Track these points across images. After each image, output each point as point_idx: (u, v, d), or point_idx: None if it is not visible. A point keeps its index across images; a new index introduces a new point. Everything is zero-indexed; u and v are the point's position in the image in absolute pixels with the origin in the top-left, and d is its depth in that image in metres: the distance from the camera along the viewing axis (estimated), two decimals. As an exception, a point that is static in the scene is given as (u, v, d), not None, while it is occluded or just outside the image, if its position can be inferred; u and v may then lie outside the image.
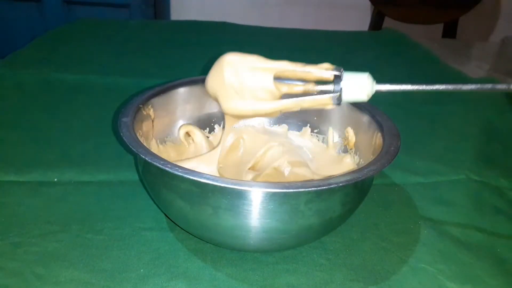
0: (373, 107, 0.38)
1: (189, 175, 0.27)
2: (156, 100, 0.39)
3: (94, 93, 0.58)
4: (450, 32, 1.26)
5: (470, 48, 0.98)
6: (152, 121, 0.39)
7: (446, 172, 0.45)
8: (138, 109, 0.36)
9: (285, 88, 0.33)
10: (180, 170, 0.27)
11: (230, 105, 0.33)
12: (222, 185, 0.27)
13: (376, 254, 0.34)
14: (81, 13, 1.33)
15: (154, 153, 0.29)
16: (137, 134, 0.33)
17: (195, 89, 0.42)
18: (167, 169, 0.28)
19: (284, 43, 0.83)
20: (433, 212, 0.39)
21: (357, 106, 0.40)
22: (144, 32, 0.86)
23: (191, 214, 0.30)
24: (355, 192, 0.32)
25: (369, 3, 1.34)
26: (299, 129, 0.44)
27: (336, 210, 0.31)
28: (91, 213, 0.36)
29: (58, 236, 0.34)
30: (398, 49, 0.82)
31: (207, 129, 0.44)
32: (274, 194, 0.28)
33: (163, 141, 0.40)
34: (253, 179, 0.38)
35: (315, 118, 0.43)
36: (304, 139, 0.44)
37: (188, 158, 0.38)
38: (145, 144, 0.32)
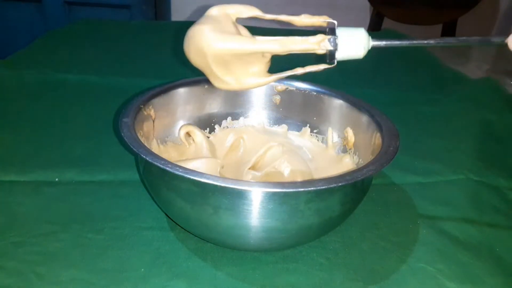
0: (372, 107, 0.39)
1: (190, 175, 0.27)
2: (156, 101, 0.39)
3: (94, 94, 0.58)
4: (449, 32, 1.26)
5: (469, 48, 0.98)
6: (153, 121, 0.39)
7: (445, 172, 0.45)
8: (139, 110, 0.36)
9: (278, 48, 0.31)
10: (180, 170, 0.28)
11: (217, 83, 0.32)
12: (223, 185, 0.27)
13: (376, 254, 0.34)
14: (82, 14, 1.33)
15: (154, 153, 0.30)
16: (138, 134, 0.33)
17: (195, 90, 0.42)
18: (167, 169, 0.28)
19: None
20: (432, 212, 0.39)
21: (357, 106, 0.40)
22: (144, 32, 0.86)
23: (191, 213, 0.31)
24: (354, 192, 0.32)
25: (368, 4, 1.34)
26: (298, 129, 0.44)
27: (336, 210, 0.31)
28: (91, 213, 0.36)
29: (59, 235, 0.34)
30: (398, 50, 0.83)
31: (208, 129, 0.44)
32: (274, 194, 0.28)
33: (163, 141, 0.40)
34: (253, 179, 0.38)
35: (315, 118, 0.44)
36: (303, 139, 0.44)
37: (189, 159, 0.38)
38: (145, 144, 0.32)
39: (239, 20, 0.32)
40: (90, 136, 0.48)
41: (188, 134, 0.41)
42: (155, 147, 0.39)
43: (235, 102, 0.44)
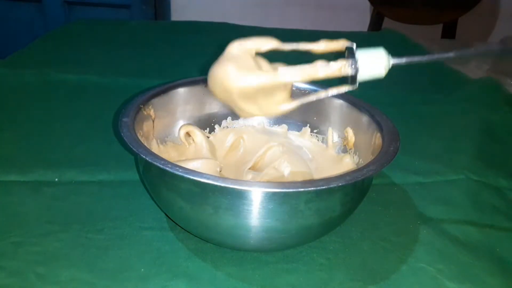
0: (372, 107, 0.39)
1: (190, 175, 0.27)
2: (156, 101, 0.39)
3: (94, 93, 0.58)
4: (449, 32, 1.26)
5: (469, 48, 0.98)
6: (153, 121, 0.39)
7: (445, 172, 0.45)
8: (139, 109, 0.36)
9: (306, 78, 0.32)
10: (180, 170, 0.28)
11: (243, 114, 0.33)
12: (223, 185, 0.27)
13: (376, 254, 0.34)
14: (81, 14, 1.33)
15: (154, 153, 0.30)
16: (138, 134, 0.33)
17: (195, 90, 0.42)
18: (167, 169, 0.28)
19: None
20: (432, 212, 0.39)
21: (357, 106, 0.40)
22: (144, 32, 0.86)
23: (191, 213, 0.31)
24: (354, 192, 0.32)
25: (368, 4, 1.34)
26: (298, 129, 0.44)
27: (336, 210, 0.31)
28: (91, 213, 0.36)
29: (59, 235, 0.34)
30: (398, 50, 0.82)
31: (207, 129, 0.44)
32: (274, 194, 0.28)
33: (163, 141, 0.40)
34: (253, 179, 0.38)
35: (315, 118, 0.44)
36: (303, 139, 0.44)
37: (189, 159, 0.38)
38: (145, 144, 0.32)
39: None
40: (90, 136, 0.48)
41: (188, 134, 0.41)
42: (155, 147, 0.39)
43: (235, 102, 0.44)
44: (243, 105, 0.32)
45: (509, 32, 1.41)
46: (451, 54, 0.30)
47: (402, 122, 0.38)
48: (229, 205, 0.29)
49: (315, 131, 0.44)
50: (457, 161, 0.47)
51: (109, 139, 0.47)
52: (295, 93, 0.43)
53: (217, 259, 0.33)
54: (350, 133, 0.41)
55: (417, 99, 0.62)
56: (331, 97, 0.42)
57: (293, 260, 0.33)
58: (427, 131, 0.54)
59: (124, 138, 0.31)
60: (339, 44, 0.31)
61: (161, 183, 0.32)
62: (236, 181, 0.28)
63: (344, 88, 0.31)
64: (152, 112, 0.38)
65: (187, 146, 0.41)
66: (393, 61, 0.30)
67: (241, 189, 0.28)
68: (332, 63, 0.31)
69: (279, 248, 0.34)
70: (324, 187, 0.28)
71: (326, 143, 0.43)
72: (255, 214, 0.29)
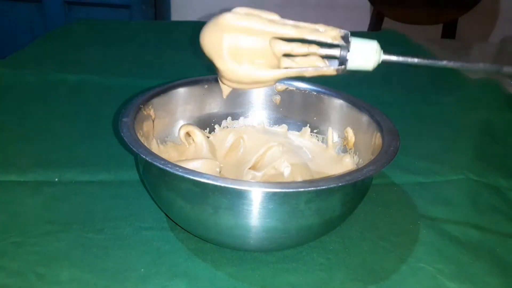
0: (372, 107, 0.39)
1: (190, 175, 0.27)
2: (156, 100, 0.39)
3: (94, 93, 0.58)
4: (449, 32, 1.26)
5: (469, 48, 0.98)
6: (153, 121, 0.39)
7: (445, 172, 0.45)
8: (139, 109, 0.36)
9: (286, 48, 0.31)
10: (180, 170, 0.28)
11: (225, 67, 0.31)
12: (222, 185, 0.27)
13: (376, 254, 0.34)
14: (81, 14, 1.33)
15: (154, 153, 0.30)
16: (138, 134, 0.33)
17: (195, 90, 0.42)
18: (167, 169, 0.28)
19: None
20: (432, 212, 0.39)
21: (357, 106, 0.40)
22: (144, 32, 0.86)
23: (191, 213, 0.31)
24: (354, 192, 0.32)
25: (368, 3, 1.34)
26: (298, 129, 0.44)
27: (336, 210, 0.31)
28: (91, 213, 0.36)
29: (59, 235, 0.34)
30: (398, 50, 0.82)
31: (207, 129, 0.44)
32: (274, 194, 0.28)
33: (163, 141, 0.40)
34: (253, 179, 0.38)
35: (315, 118, 0.44)
36: (303, 139, 0.44)
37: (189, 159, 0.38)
38: (145, 144, 0.32)
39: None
40: (90, 136, 0.48)
41: (188, 134, 0.41)
42: (154, 147, 0.39)
43: (235, 102, 0.44)
44: (228, 56, 0.31)
45: (509, 32, 1.41)
46: (443, 63, 0.30)
47: (402, 122, 0.38)
48: (229, 205, 0.29)
49: (315, 131, 0.44)
50: (457, 161, 0.47)
51: (109, 139, 0.47)
52: (295, 93, 0.43)
53: (217, 259, 0.33)
54: (350, 133, 0.41)
55: (417, 99, 0.62)
56: (331, 97, 0.42)
57: (293, 260, 0.33)
58: (427, 131, 0.54)
59: (124, 138, 0.31)
60: (332, 35, 0.30)
61: (161, 183, 0.32)
62: (236, 181, 0.28)
63: (332, 67, 0.30)
64: (152, 112, 0.38)
65: (187, 146, 0.41)
66: (384, 56, 0.30)
67: (241, 189, 0.28)
68: (321, 68, 0.30)
69: (279, 248, 0.34)
70: (324, 187, 0.28)
71: (326, 143, 0.43)
72: (255, 214, 0.29)
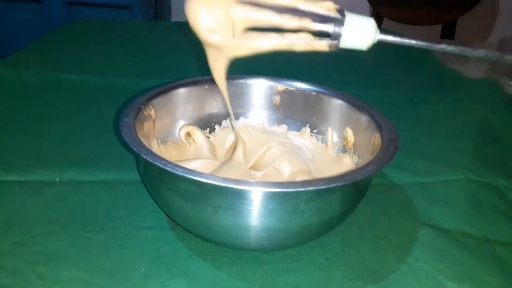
0: (371, 107, 0.39)
1: (190, 175, 0.27)
2: (157, 101, 0.39)
3: (95, 93, 0.59)
4: (448, 33, 1.27)
5: (466, 48, 0.98)
6: (153, 121, 0.39)
7: (444, 172, 0.45)
8: (139, 110, 0.36)
9: (277, 19, 0.29)
10: (180, 170, 0.28)
11: (211, 39, 0.30)
12: (223, 184, 0.27)
13: (375, 253, 0.34)
14: (82, 14, 1.34)
15: (155, 153, 0.30)
16: (138, 134, 0.33)
17: (195, 90, 0.42)
18: (168, 169, 0.28)
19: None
20: (431, 212, 0.39)
21: (356, 106, 0.40)
22: (144, 33, 0.86)
23: (191, 213, 0.31)
24: (354, 192, 0.32)
25: (367, 4, 1.34)
26: (298, 129, 0.45)
27: (336, 210, 0.31)
28: (92, 213, 0.36)
29: (60, 235, 0.34)
30: (397, 50, 0.83)
31: (208, 129, 0.44)
32: (274, 193, 0.28)
33: (164, 141, 0.41)
34: (253, 179, 0.38)
35: (314, 118, 0.44)
36: (303, 139, 0.44)
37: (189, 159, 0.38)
38: (146, 144, 0.32)
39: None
40: (90, 136, 0.48)
41: (188, 134, 0.42)
42: (155, 147, 0.39)
43: (235, 102, 0.44)
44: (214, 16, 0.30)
45: (508, 32, 1.41)
46: (443, 46, 0.28)
47: (402, 122, 0.39)
48: (229, 205, 0.29)
49: (314, 131, 0.44)
50: (457, 161, 0.47)
51: (110, 139, 0.47)
52: (295, 93, 0.44)
53: (217, 258, 0.33)
54: (349, 133, 0.41)
55: (417, 99, 0.63)
56: (330, 97, 0.42)
57: (293, 260, 0.33)
58: (427, 131, 0.54)
59: (125, 138, 0.31)
60: (327, 7, 0.28)
61: (161, 183, 0.32)
62: (236, 181, 0.28)
63: (325, 42, 0.28)
64: (152, 112, 0.38)
65: (188, 146, 0.41)
66: (379, 36, 0.28)
67: (241, 189, 0.28)
68: (314, 43, 0.29)
69: (279, 248, 0.34)
70: (324, 187, 0.28)
71: (326, 143, 0.43)
72: (255, 214, 0.29)
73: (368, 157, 0.36)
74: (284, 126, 0.45)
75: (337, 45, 0.28)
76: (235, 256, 0.33)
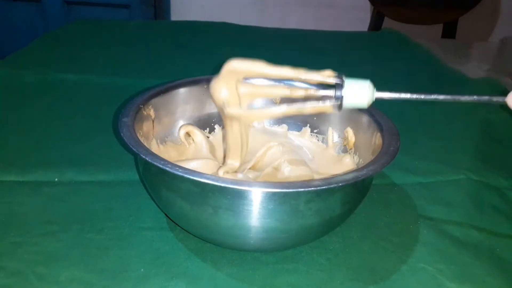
0: (372, 107, 0.39)
1: (189, 175, 0.27)
2: (156, 100, 0.39)
3: (94, 93, 0.58)
4: (449, 32, 1.26)
5: (469, 48, 0.98)
6: (153, 121, 0.39)
7: (445, 172, 0.45)
8: (139, 109, 0.36)
9: (286, 92, 0.33)
10: (180, 170, 0.28)
11: (229, 110, 0.34)
12: (222, 185, 0.27)
13: (376, 254, 0.34)
14: (81, 14, 1.33)
15: (154, 153, 0.30)
16: (138, 134, 0.33)
17: (195, 90, 0.42)
18: (167, 169, 0.28)
19: (284, 44, 0.83)
20: (432, 212, 0.39)
21: (357, 106, 0.40)
22: (144, 32, 0.86)
23: (191, 214, 0.30)
24: (354, 192, 0.32)
25: (368, 3, 1.34)
26: (298, 129, 0.44)
27: (336, 210, 0.31)
28: (91, 213, 0.36)
29: (59, 235, 0.34)
30: (398, 50, 0.83)
31: (207, 129, 0.44)
32: (274, 194, 0.28)
33: (163, 141, 0.40)
34: (253, 179, 0.38)
35: (315, 119, 0.44)
36: (304, 139, 0.44)
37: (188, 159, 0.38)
38: (145, 144, 0.32)
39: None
40: (90, 136, 0.48)
41: (187, 134, 0.41)
42: (154, 147, 0.39)
43: (235, 102, 0.44)
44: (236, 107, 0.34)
45: (509, 32, 1.41)
46: (437, 97, 0.30)
47: (402, 122, 0.38)
48: (229, 205, 0.29)
49: (315, 131, 0.44)
50: (457, 161, 0.47)
51: (109, 139, 0.47)
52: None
53: (217, 259, 0.33)
54: (350, 133, 0.41)
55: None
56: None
57: (293, 260, 0.33)
58: (427, 131, 0.54)
59: (124, 138, 0.31)
60: (326, 74, 0.32)
61: (161, 183, 0.32)
62: (236, 181, 0.28)
63: (328, 103, 0.32)
64: (152, 112, 0.38)
65: (187, 146, 0.41)
66: (377, 95, 0.31)
67: (241, 189, 0.28)
68: (320, 104, 0.32)
69: (279, 248, 0.34)
70: (324, 187, 0.28)
71: (326, 143, 0.43)
72: (255, 214, 0.28)
73: (369, 157, 0.36)
74: (285, 126, 0.45)
75: (340, 105, 0.31)
76: (235, 256, 0.33)
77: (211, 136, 0.44)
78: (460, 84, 0.68)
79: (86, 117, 0.52)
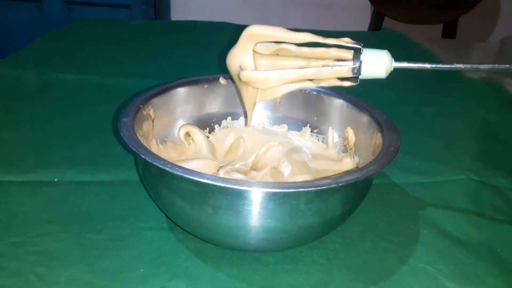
0: (372, 107, 0.39)
1: (189, 175, 0.27)
2: (156, 100, 0.39)
3: (94, 93, 0.58)
4: (449, 32, 1.26)
5: (469, 48, 0.98)
6: (152, 121, 0.39)
7: (445, 172, 0.45)
8: (138, 109, 0.36)
9: (304, 63, 0.33)
10: (180, 170, 0.28)
11: (247, 73, 0.34)
12: (222, 185, 0.27)
13: (376, 254, 0.34)
14: (81, 14, 1.33)
15: (154, 153, 0.30)
16: (137, 134, 0.33)
17: (195, 89, 0.42)
18: (167, 169, 0.28)
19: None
20: (432, 212, 0.39)
21: (357, 106, 0.40)
22: (144, 32, 0.86)
23: (191, 214, 0.30)
24: (355, 192, 0.32)
25: (368, 3, 1.34)
26: (299, 129, 0.44)
27: (336, 210, 0.31)
28: (91, 213, 0.36)
29: (59, 235, 0.34)
30: (398, 50, 0.82)
31: (207, 129, 0.44)
32: (274, 194, 0.28)
33: (163, 141, 0.40)
34: (253, 179, 0.38)
35: (315, 118, 0.44)
36: (304, 139, 0.44)
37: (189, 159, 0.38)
38: (145, 144, 0.32)
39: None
40: (89, 136, 0.48)
41: (187, 134, 0.41)
42: (154, 147, 0.39)
43: (235, 102, 0.44)
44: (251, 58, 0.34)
45: (509, 32, 1.41)
46: (460, 66, 0.30)
47: (402, 122, 0.38)
48: (229, 205, 0.29)
49: (315, 131, 0.44)
50: (457, 161, 0.47)
51: (109, 139, 0.47)
52: (295, 93, 0.43)
53: (217, 259, 0.33)
54: (350, 133, 0.41)
55: (417, 99, 0.62)
56: (331, 97, 0.42)
57: (293, 261, 0.33)
58: (427, 131, 0.54)
59: (124, 138, 0.31)
60: (347, 52, 0.32)
61: (160, 183, 0.32)
62: (236, 181, 0.28)
63: (346, 83, 0.32)
64: (151, 112, 0.38)
65: (187, 146, 0.41)
66: (395, 64, 0.31)
67: (241, 189, 0.28)
68: (337, 68, 0.32)
69: (279, 249, 0.34)
70: (324, 187, 0.28)
71: (327, 143, 0.43)
72: (255, 214, 0.28)
73: (369, 157, 0.36)
74: (285, 126, 0.45)
75: (359, 69, 0.31)
76: (235, 257, 0.33)
77: (211, 136, 0.44)
78: (460, 84, 0.68)
79: (85, 117, 0.52)
